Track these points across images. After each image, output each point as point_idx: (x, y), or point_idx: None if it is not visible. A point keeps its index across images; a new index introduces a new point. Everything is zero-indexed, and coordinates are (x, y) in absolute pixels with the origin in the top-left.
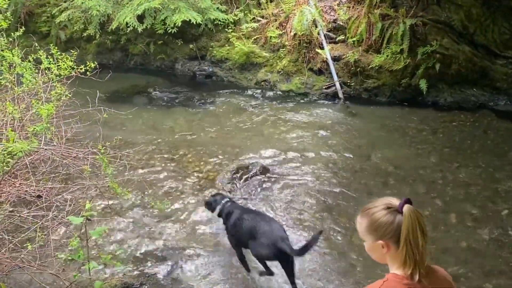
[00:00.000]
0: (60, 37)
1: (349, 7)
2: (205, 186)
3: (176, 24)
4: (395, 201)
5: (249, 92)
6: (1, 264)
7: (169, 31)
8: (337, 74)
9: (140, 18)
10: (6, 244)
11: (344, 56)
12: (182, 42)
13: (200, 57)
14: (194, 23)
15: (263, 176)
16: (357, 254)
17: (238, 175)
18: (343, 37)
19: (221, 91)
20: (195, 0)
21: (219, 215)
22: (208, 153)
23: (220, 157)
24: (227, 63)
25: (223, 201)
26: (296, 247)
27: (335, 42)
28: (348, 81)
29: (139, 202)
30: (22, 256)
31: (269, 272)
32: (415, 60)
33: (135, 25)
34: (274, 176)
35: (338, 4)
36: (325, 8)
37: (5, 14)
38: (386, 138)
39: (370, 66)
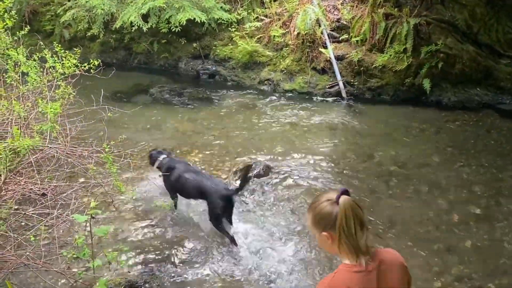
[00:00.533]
0: (64, 35)
1: (353, 6)
2: None
3: (181, 23)
4: (336, 194)
5: (252, 91)
6: (6, 262)
7: (173, 30)
8: (340, 73)
9: (145, 17)
10: (11, 242)
11: (348, 56)
12: (185, 41)
13: (203, 56)
14: (199, 22)
15: (267, 175)
16: None
17: (241, 173)
18: (347, 36)
19: (224, 90)
20: None
21: (159, 168)
22: (211, 152)
23: (223, 156)
24: (230, 62)
25: (161, 156)
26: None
27: (339, 42)
28: (352, 81)
29: (142, 200)
30: (27, 253)
31: (232, 240)
32: (419, 59)
33: (140, 24)
34: (277, 175)
35: (341, 3)
36: (328, 7)
37: (10, 12)
38: (389, 138)
39: (374, 66)
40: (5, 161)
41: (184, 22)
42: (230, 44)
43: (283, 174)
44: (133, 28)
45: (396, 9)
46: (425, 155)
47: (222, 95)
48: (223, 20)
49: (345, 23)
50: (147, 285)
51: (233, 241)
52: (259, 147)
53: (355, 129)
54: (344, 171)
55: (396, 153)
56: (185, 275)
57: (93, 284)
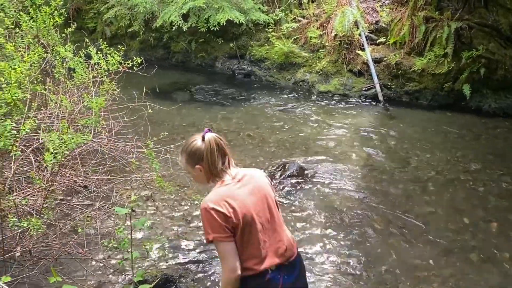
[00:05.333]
0: (105, 33)
1: (392, 8)
2: None
3: (220, 23)
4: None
5: (287, 92)
6: (51, 249)
7: (211, 29)
8: (377, 76)
9: (184, 16)
10: (56, 231)
11: (385, 58)
12: (222, 41)
13: (239, 56)
14: (237, 22)
15: (300, 176)
16: (392, 259)
17: (275, 174)
18: (385, 39)
19: (259, 90)
20: (238, 0)
21: None
22: (245, 151)
23: (257, 155)
24: (266, 62)
25: None
26: None
27: (377, 44)
28: (389, 84)
29: (180, 196)
30: (71, 242)
31: None
32: (459, 64)
33: (180, 24)
34: (311, 176)
35: (380, 5)
36: (367, 9)
37: (60, 10)
38: (426, 143)
39: (412, 69)
40: (60, 155)
41: (224, 23)
42: (266, 44)
43: (316, 175)
44: (173, 27)
45: (437, 12)
46: (463, 162)
47: (256, 95)
48: (260, 21)
49: (383, 25)
50: (182, 279)
51: None
52: (293, 148)
53: (391, 133)
54: (379, 175)
55: (433, 159)
56: (218, 273)
57: (130, 275)
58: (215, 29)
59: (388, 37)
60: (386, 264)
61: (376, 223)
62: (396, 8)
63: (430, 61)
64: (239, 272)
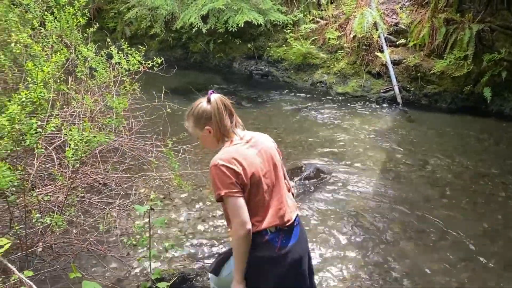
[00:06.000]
0: (125, 33)
1: (412, 10)
2: None
3: (239, 25)
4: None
5: (305, 93)
6: (71, 246)
7: (230, 30)
8: (396, 78)
9: (204, 18)
10: (77, 227)
11: (405, 60)
12: (240, 42)
13: (257, 56)
14: (256, 24)
15: (317, 178)
16: (409, 263)
17: (291, 175)
18: (404, 41)
19: (276, 91)
20: (257, 1)
21: None
22: None
23: None
24: (284, 63)
25: None
26: None
27: (396, 46)
28: (408, 86)
29: (197, 195)
30: (91, 239)
31: None
32: (480, 67)
33: (199, 26)
34: (328, 179)
35: (400, 7)
36: (386, 11)
37: (83, 11)
38: (445, 146)
39: (431, 72)
40: (81, 153)
41: (242, 24)
42: (284, 45)
43: (333, 177)
44: (194, 29)
45: (458, 14)
46: (483, 166)
47: (273, 96)
48: (278, 21)
49: (403, 27)
50: (198, 277)
51: None
52: (310, 149)
53: (409, 136)
54: (396, 178)
55: (452, 163)
56: None
57: (148, 272)
58: (233, 30)
59: (408, 39)
60: (402, 268)
61: (393, 227)
62: (416, 9)
63: (450, 64)
64: (250, 226)
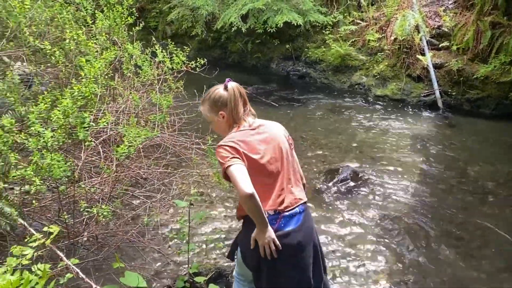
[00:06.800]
0: (166, 32)
1: (456, 13)
2: None
3: (278, 25)
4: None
5: (342, 94)
6: (115, 237)
7: (268, 31)
8: (437, 82)
9: (243, 18)
10: (120, 219)
11: (447, 64)
12: (278, 42)
13: (295, 57)
14: (295, 24)
15: (353, 181)
16: (446, 272)
17: (327, 177)
18: (447, 44)
19: (313, 92)
20: (297, 1)
21: None
22: (298, 153)
23: (310, 158)
24: (321, 64)
25: None
26: None
27: (438, 49)
28: (449, 90)
29: (234, 193)
30: (132, 231)
31: None
32: None
33: (239, 25)
34: (364, 182)
35: (444, 10)
36: (429, 13)
37: (131, 10)
38: (487, 153)
39: (475, 76)
40: (133, 149)
41: (281, 25)
42: (322, 46)
43: (370, 182)
44: (233, 29)
45: (505, 17)
46: None
47: (310, 97)
48: (318, 22)
49: (446, 30)
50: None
51: None
52: (346, 152)
53: (449, 142)
54: (435, 184)
55: (494, 171)
56: None
57: (186, 266)
58: (272, 31)
59: (451, 42)
60: (439, 276)
61: (431, 234)
62: (460, 12)
63: (495, 69)
64: (253, 189)
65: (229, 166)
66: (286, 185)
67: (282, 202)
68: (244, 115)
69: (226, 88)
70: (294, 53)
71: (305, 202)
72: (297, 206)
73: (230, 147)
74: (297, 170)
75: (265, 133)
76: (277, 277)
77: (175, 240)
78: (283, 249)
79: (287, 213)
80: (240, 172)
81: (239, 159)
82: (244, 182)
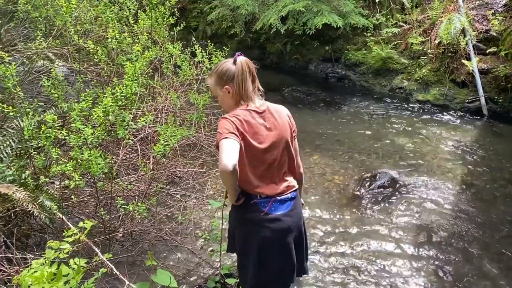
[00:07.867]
0: (206, 32)
1: (506, 17)
2: (330, 190)
3: (317, 27)
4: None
5: (382, 98)
6: (148, 234)
7: (307, 33)
8: (483, 88)
9: (283, 19)
10: (155, 216)
11: (494, 70)
12: (318, 44)
13: (334, 59)
14: (335, 26)
15: (391, 188)
16: (484, 286)
17: (364, 183)
18: (495, 49)
19: (352, 95)
20: (338, 3)
21: None
22: (334, 157)
23: (346, 161)
24: (362, 67)
25: None
26: None
27: (485, 54)
28: (495, 97)
29: None
30: (166, 229)
31: None
32: None
33: (278, 27)
34: (402, 189)
35: (493, 13)
36: (476, 16)
37: (173, 10)
38: None
39: None
40: (169, 148)
41: (320, 26)
42: (363, 48)
43: (408, 189)
44: (272, 30)
45: None
46: None
47: (349, 100)
48: (358, 25)
49: (494, 34)
50: None
51: None
52: (385, 158)
53: (494, 150)
54: (478, 195)
55: None
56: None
57: (218, 267)
58: (311, 33)
59: (499, 47)
60: None
61: (471, 246)
62: (510, 16)
63: None
64: (235, 167)
65: (224, 138)
66: (280, 172)
67: (274, 188)
68: (252, 92)
69: (235, 62)
70: (334, 55)
71: (296, 189)
72: (289, 192)
73: (233, 122)
74: (294, 158)
75: (270, 120)
76: (263, 261)
77: (208, 240)
78: (273, 232)
79: (278, 198)
80: (229, 147)
81: (238, 137)
82: (229, 156)
